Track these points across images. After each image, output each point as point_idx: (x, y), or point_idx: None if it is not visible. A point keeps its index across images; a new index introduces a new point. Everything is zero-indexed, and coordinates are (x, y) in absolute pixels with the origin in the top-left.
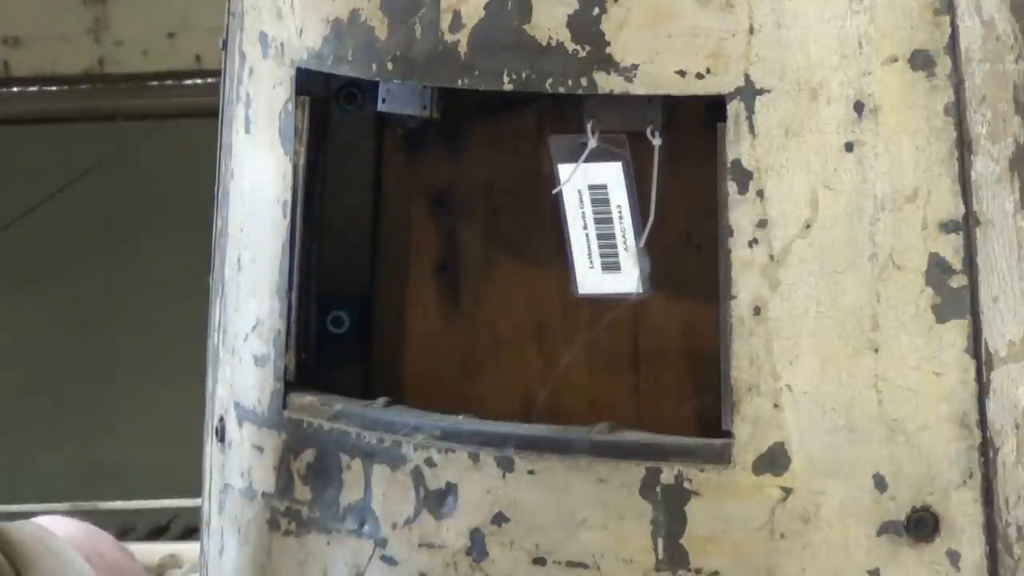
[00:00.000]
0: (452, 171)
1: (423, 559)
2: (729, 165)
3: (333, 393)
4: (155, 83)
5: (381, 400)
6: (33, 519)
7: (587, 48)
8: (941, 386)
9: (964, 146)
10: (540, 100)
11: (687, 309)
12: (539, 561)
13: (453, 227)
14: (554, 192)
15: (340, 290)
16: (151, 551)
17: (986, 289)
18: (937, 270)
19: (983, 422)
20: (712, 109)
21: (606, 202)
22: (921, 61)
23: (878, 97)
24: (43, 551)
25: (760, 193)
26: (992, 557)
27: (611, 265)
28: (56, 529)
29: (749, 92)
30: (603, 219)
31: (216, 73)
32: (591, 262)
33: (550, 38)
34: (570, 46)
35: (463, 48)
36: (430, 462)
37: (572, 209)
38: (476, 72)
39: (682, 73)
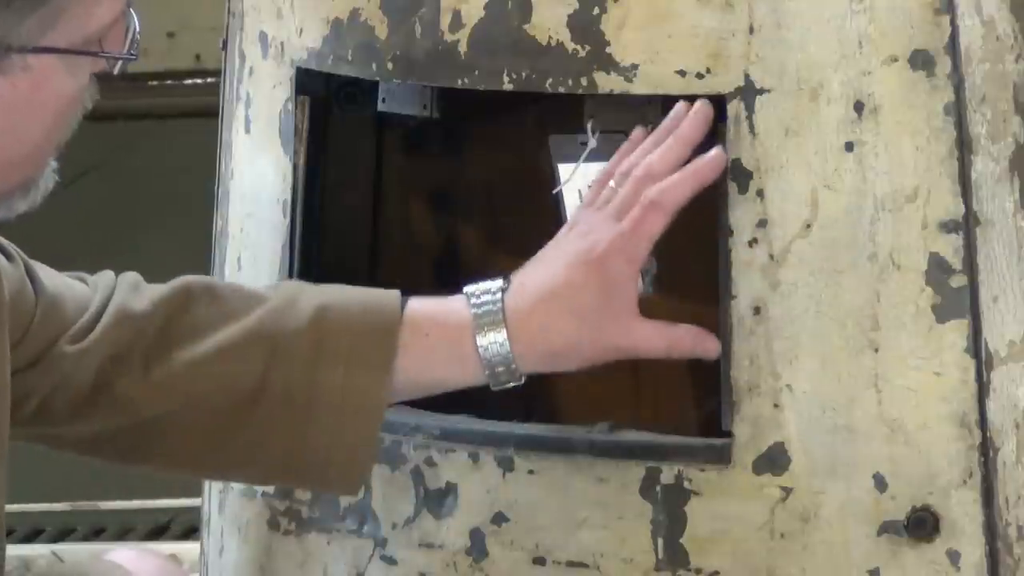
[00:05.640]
0: (452, 171)
1: (423, 559)
2: (729, 165)
3: None
4: (155, 83)
5: None
6: (110, 555)
7: (587, 48)
8: (941, 386)
9: (964, 146)
10: (540, 100)
11: (687, 309)
12: (539, 561)
13: (453, 227)
14: (554, 192)
15: None
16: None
17: (986, 289)
18: (937, 270)
19: (983, 422)
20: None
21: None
22: (921, 61)
23: (878, 97)
24: None
25: (760, 193)
26: (992, 557)
27: None
28: (134, 567)
29: (749, 92)
30: None
31: (216, 73)
32: None
33: (550, 38)
34: (570, 46)
35: (463, 48)
36: (430, 462)
37: (572, 209)
38: (476, 72)
39: (682, 73)
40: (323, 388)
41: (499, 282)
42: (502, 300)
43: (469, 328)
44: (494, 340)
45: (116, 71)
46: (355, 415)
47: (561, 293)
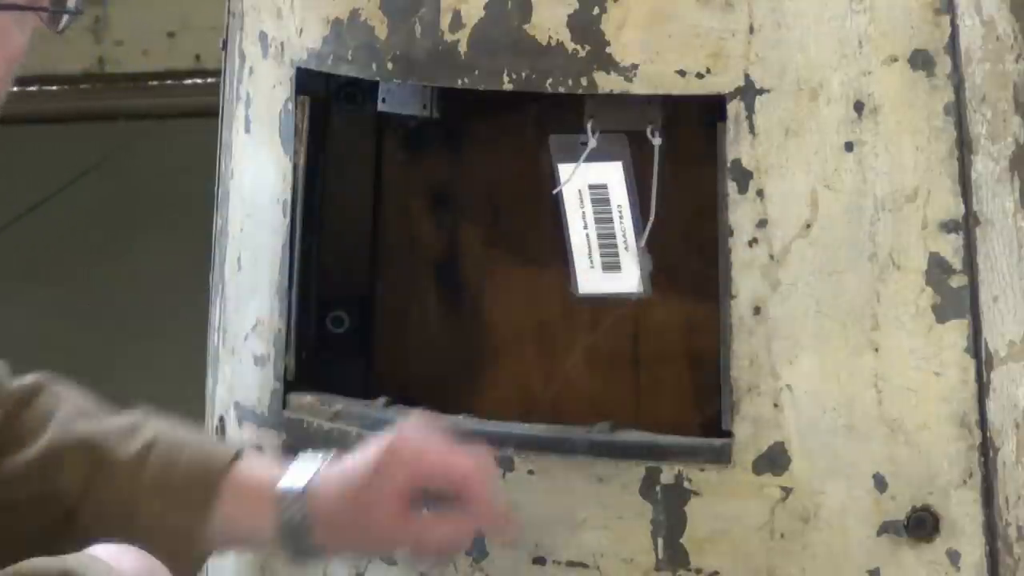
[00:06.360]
0: (452, 171)
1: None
2: (729, 165)
3: (333, 393)
4: (155, 83)
5: (381, 400)
6: (94, 550)
7: (587, 48)
8: (941, 386)
9: (964, 146)
10: (540, 100)
11: (687, 309)
12: (539, 561)
13: (453, 227)
14: (554, 192)
15: (340, 290)
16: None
17: (986, 289)
18: (937, 270)
19: (983, 422)
20: (711, 109)
21: (606, 202)
22: (921, 61)
23: (878, 97)
24: None
25: (760, 193)
26: (992, 557)
27: (611, 265)
28: (119, 563)
29: (749, 92)
30: (603, 219)
31: (216, 73)
32: (591, 262)
33: (550, 38)
34: (570, 46)
35: (463, 48)
36: None
37: (572, 209)
38: (476, 72)
39: (682, 73)
40: (142, 513)
41: (330, 455)
42: (314, 475)
43: (277, 498)
44: (296, 514)
45: (60, 28)
46: (170, 548)
47: (345, 478)
